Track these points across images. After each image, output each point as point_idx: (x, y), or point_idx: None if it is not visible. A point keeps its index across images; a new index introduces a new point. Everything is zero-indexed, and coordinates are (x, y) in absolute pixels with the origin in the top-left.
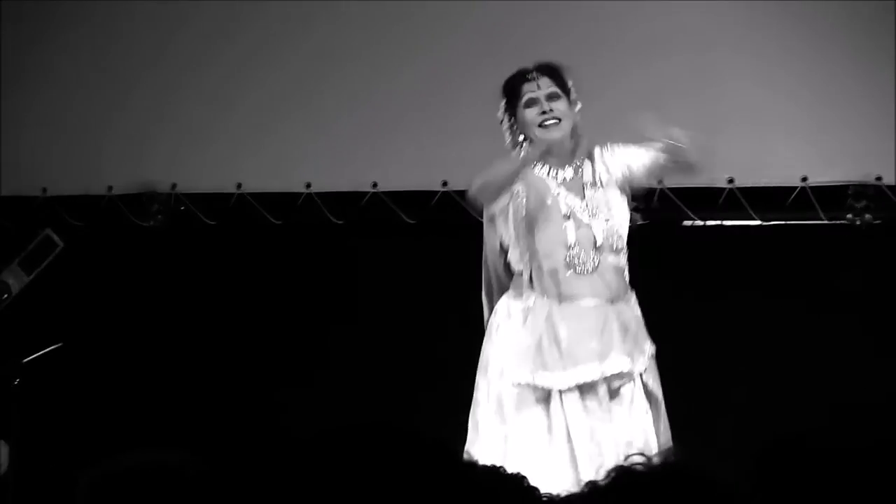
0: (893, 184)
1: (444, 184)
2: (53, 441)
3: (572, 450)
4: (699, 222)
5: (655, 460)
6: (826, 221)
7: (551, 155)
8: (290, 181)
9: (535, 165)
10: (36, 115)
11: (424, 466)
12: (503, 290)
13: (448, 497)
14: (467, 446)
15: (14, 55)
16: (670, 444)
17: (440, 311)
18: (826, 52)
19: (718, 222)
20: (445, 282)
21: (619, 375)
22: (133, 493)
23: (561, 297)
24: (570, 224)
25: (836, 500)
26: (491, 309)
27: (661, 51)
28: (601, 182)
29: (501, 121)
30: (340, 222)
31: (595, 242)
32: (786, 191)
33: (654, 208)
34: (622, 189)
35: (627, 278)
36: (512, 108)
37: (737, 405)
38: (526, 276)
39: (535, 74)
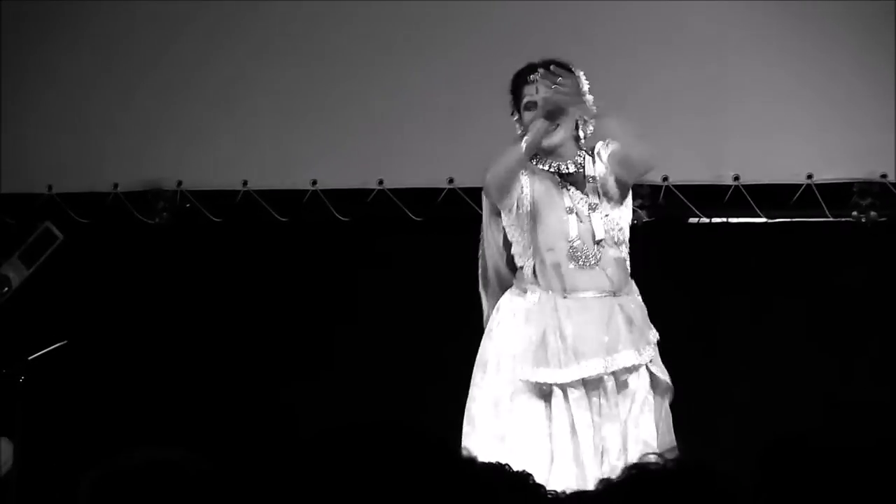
0: None
1: (451, 181)
2: (57, 439)
3: (577, 445)
4: (705, 219)
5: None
6: (831, 219)
7: (554, 153)
8: (295, 178)
9: (538, 160)
10: (41, 112)
11: (428, 465)
12: (504, 286)
13: (452, 495)
14: (463, 441)
15: (19, 53)
16: (673, 436)
17: (446, 309)
18: (831, 51)
19: (724, 219)
20: (452, 279)
21: (627, 369)
22: (136, 491)
23: (564, 291)
24: (572, 218)
25: (837, 499)
26: (490, 304)
27: (667, 51)
28: (602, 176)
29: (512, 113)
30: (346, 219)
31: (595, 236)
32: (791, 188)
33: (659, 205)
34: (622, 183)
35: (629, 270)
36: (517, 107)
37: (740, 402)
38: (529, 271)
39: (535, 76)
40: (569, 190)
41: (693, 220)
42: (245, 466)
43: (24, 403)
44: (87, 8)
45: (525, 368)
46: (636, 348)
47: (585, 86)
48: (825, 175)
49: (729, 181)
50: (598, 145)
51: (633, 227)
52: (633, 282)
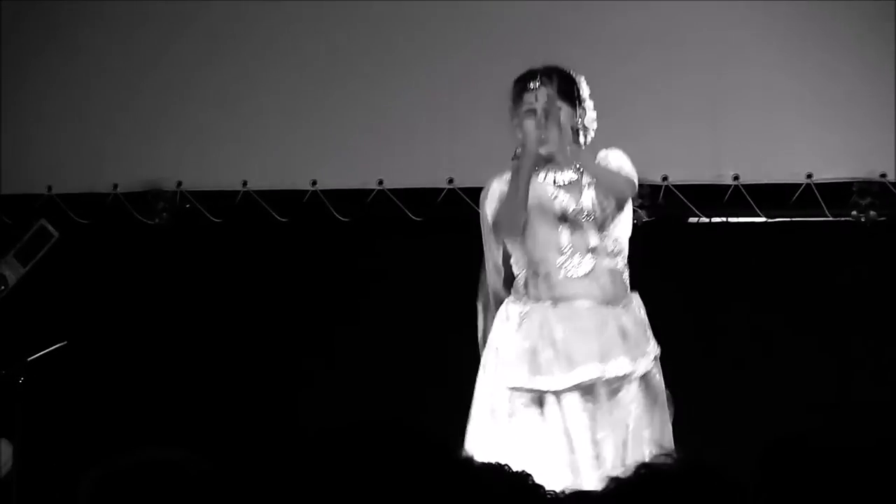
0: None
1: (450, 181)
2: (57, 440)
3: (572, 453)
4: (704, 219)
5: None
6: (831, 218)
7: (552, 160)
8: (295, 179)
9: (535, 168)
10: (41, 112)
11: (429, 465)
12: (499, 303)
13: (453, 495)
14: (466, 444)
15: (19, 53)
16: (671, 446)
17: (446, 309)
18: (831, 51)
19: (724, 219)
20: (452, 279)
21: (620, 378)
22: (137, 491)
23: (555, 300)
24: (564, 227)
25: (837, 499)
26: (483, 317)
27: (667, 51)
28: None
29: (512, 119)
30: (346, 220)
31: (589, 245)
32: (791, 188)
33: (659, 205)
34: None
35: (627, 282)
36: (516, 113)
37: (740, 402)
38: (521, 281)
39: (535, 83)
40: (563, 199)
41: (693, 219)
42: (245, 467)
43: (24, 404)
44: (87, 8)
45: (519, 376)
46: (630, 357)
47: (586, 91)
48: (825, 175)
49: (729, 181)
50: (601, 154)
51: (633, 227)
52: (634, 295)
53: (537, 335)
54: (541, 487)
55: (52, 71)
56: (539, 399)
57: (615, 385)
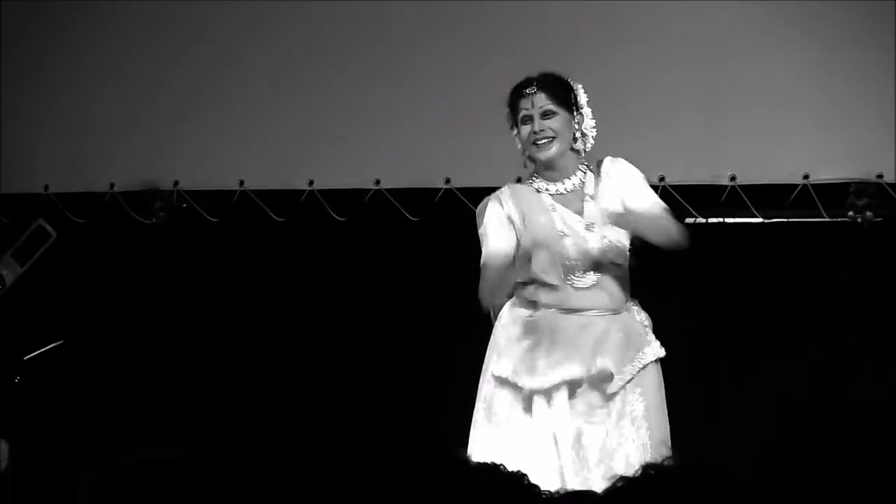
0: (894, 181)
1: (447, 181)
2: (54, 439)
3: (558, 455)
4: (701, 220)
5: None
6: (827, 219)
7: (549, 169)
8: (292, 178)
9: (532, 181)
10: (38, 112)
11: (424, 464)
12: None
13: (448, 495)
14: (467, 444)
15: (16, 52)
16: (666, 451)
17: (443, 308)
18: (828, 51)
19: (720, 220)
20: (449, 278)
21: (610, 379)
22: (134, 491)
23: (564, 310)
24: (567, 240)
25: (837, 499)
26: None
27: (663, 51)
28: (602, 195)
29: (511, 127)
30: (343, 219)
31: (593, 256)
32: (787, 188)
33: None
34: (623, 202)
35: (629, 289)
36: (514, 121)
37: (737, 403)
38: (527, 289)
39: (531, 90)
40: (562, 211)
41: (689, 220)
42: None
43: (20, 403)
44: (84, 9)
45: (516, 376)
46: (623, 360)
47: (584, 98)
48: (821, 175)
49: (725, 181)
50: (606, 162)
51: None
52: (634, 300)
53: (538, 340)
54: (535, 487)
55: (48, 70)
56: (528, 397)
57: (605, 385)
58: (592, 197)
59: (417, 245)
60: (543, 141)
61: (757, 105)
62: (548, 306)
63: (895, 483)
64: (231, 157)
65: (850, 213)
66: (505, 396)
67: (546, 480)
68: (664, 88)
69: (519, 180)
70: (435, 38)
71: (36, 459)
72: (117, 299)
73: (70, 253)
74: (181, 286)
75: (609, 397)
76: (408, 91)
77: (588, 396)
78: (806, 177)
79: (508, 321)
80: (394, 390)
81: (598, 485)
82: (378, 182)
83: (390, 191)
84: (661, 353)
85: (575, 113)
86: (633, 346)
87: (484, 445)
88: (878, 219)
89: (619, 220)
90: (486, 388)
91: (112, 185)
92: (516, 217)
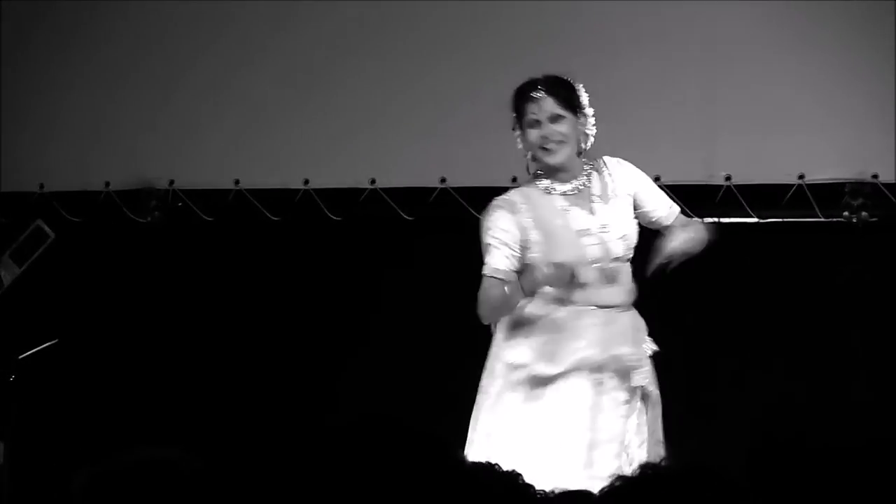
0: (890, 181)
1: (443, 180)
2: (49, 438)
3: (568, 439)
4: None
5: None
6: (823, 219)
7: (558, 171)
8: (288, 178)
9: (539, 182)
10: (33, 111)
11: (419, 463)
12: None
13: (443, 494)
14: (467, 447)
15: (12, 52)
16: (663, 445)
17: (439, 308)
18: (823, 50)
19: (715, 219)
20: (444, 278)
21: (629, 371)
22: (130, 491)
23: (580, 307)
24: (584, 240)
25: (834, 499)
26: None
27: (659, 51)
28: (610, 194)
29: (514, 129)
30: (338, 219)
31: (610, 255)
32: (783, 188)
33: None
34: (629, 200)
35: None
36: (519, 124)
37: (733, 403)
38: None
39: (538, 94)
40: (575, 212)
41: None
42: (238, 465)
43: (15, 402)
44: (80, 8)
45: (532, 365)
46: (640, 353)
47: (585, 98)
48: (817, 175)
49: (721, 181)
50: (612, 164)
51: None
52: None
53: (556, 332)
54: (531, 487)
55: (44, 69)
56: (542, 384)
57: (613, 376)
58: (600, 197)
59: (413, 244)
60: (553, 146)
61: (752, 105)
62: (566, 303)
63: (895, 483)
64: (226, 156)
65: (846, 213)
66: (520, 384)
67: (559, 471)
68: (659, 89)
69: (514, 180)
70: (432, 39)
71: (31, 458)
72: (113, 298)
73: (65, 252)
74: (177, 285)
75: (618, 385)
76: (403, 91)
77: (599, 381)
78: (801, 177)
79: (524, 317)
80: (389, 390)
81: (611, 476)
82: (373, 181)
83: (386, 190)
84: (654, 347)
85: (579, 115)
86: (641, 340)
87: (488, 442)
88: (874, 219)
89: (673, 253)
90: (496, 386)
91: (107, 184)
92: (529, 223)
